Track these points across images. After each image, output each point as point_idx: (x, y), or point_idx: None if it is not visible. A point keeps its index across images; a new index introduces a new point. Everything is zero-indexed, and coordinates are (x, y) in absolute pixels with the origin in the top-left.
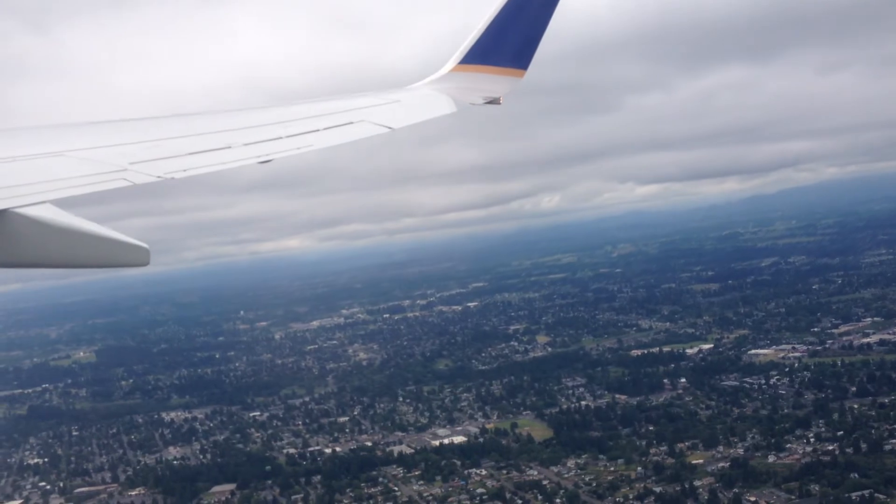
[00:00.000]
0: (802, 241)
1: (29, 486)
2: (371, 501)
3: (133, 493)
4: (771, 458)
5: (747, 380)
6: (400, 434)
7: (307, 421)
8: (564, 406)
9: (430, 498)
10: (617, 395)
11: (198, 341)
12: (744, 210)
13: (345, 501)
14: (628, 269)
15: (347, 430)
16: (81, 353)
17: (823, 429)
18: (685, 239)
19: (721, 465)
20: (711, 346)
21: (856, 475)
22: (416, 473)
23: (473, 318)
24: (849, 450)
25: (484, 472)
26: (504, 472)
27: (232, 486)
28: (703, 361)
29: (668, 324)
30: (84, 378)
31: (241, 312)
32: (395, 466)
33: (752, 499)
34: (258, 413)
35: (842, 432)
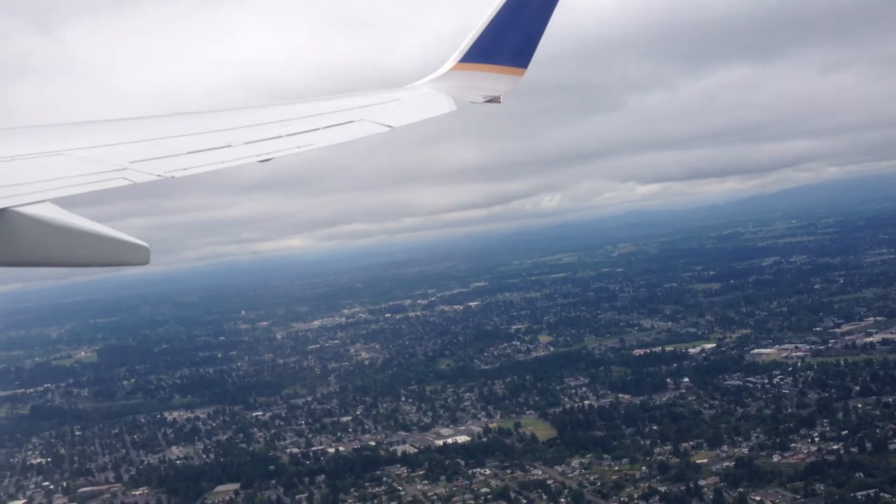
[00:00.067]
0: (803, 241)
1: (32, 486)
2: (375, 501)
3: (137, 492)
4: (776, 458)
5: (750, 379)
6: (403, 433)
7: (310, 420)
8: (568, 405)
9: (435, 497)
10: (620, 395)
11: (199, 341)
12: (744, 210)
13: (349, 501)
14: (629, 269)
15: (350, 430)
16: (83, 353)
17: (828, 428)
18: (686, 238)
19: (726, 464)
20: (714, 345)
21: (861, 475)
22: (421, 473)
23: (475, 317)
24: (854, 449)
25: (488, 472)
26: (508, 471)
27: (236, 486)
28: (706, 361)
29: (670, 323)
30: (86, 378)
31: (243, 312)
32: (398, 466)
33: (758, 498)
34: (261, 413)
35: (846, 432)
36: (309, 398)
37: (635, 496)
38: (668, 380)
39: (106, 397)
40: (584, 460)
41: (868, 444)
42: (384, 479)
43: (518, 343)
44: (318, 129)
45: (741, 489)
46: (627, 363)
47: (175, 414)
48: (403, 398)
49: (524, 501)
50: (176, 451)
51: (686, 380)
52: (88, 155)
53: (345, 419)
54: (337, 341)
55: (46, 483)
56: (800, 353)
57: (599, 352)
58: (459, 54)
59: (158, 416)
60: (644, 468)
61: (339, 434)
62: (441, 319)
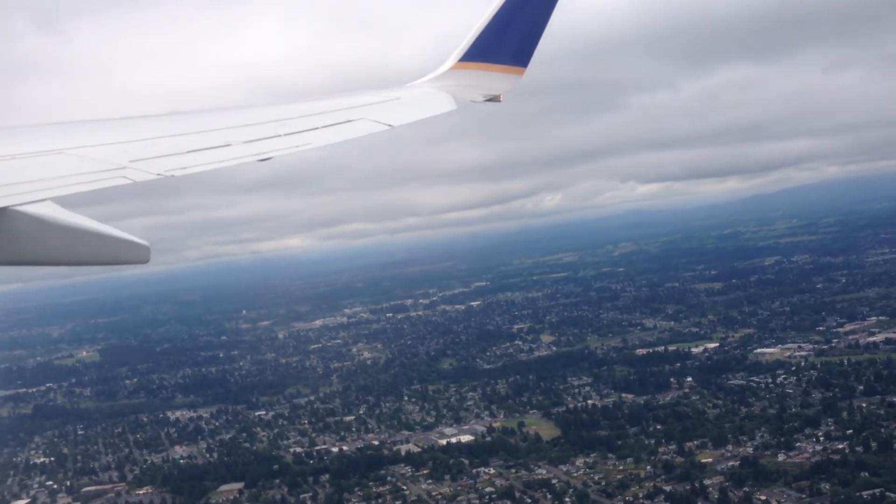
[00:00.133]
0: (804, 240)
1: (36, 486)
2: (380, 500)
3: (141, 491)
4: (781, 457)
5: (754, 378)
6: (407, 433)
7: (313, 420)
8: (571, 405)
9: (440, 497)
10: (623, 394)
11: (201, 340)
12: (745, 209)
13: (353, 500)
14: (630, 268)
15: (354, 429)
16: (84, 353)
17: (832, 427)
18: (686, 238)
19: (731, 463)
20: (717, 344)
21: (866, 474)
22: (425, 472)
23: (477, 317)
24: (859, 448)
25: (492, 471)
26: (513, 470)
27: (240, 485)
28: (710, 360)
29: (672, 323)
30: (88, 377)
31: (244, 311)
32: (403, 465)
33: (763, 498)
34: (263, 412)
35: (851, 431)
36: (312, 397)
37: (640, 495)
38: (672, 379)
39: (108, 397)
40: (588, 460)
41: (873, 444)
42: (388, 478)
43: (520, 342)
44: (317, 128)
45: (746, 488)
46: (630, 363)
47: (178, 413)
48: (406, 398)
49: (529, 501)
50: (179, 451)
51: (689, 379)
52: (88, 154)
53: (348, 418)
54: (339, 341)
55: (50, 482)
56: (803, 353)
57: (602, 351)
58: (459, 53)
59: (161, 415)
60: (649, 467)
61: (342, 433)
62: (443, 319)
